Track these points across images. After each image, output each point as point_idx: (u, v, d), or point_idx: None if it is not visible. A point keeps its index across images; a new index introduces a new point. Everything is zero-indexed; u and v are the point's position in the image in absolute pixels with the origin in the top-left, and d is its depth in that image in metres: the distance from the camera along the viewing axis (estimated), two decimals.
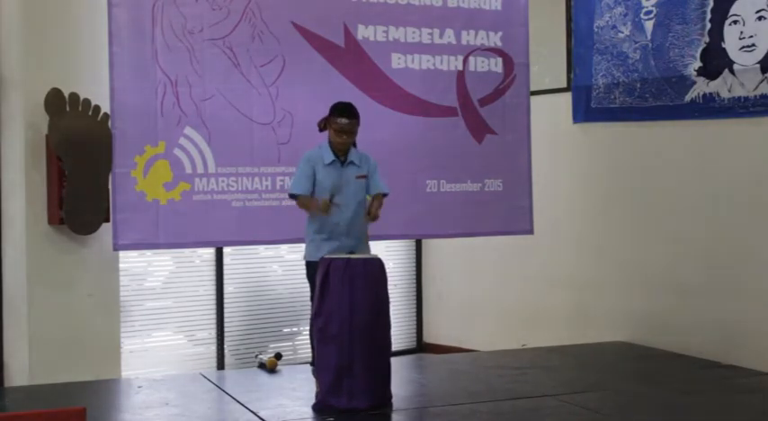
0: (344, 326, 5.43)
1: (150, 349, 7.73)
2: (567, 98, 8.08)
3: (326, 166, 5.72)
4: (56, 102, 6.74)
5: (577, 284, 8.04)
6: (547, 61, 8.30)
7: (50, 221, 6.83)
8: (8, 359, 7.03)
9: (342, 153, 5.75)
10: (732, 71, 6.82)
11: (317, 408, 5.52)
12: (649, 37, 7.42)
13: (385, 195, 5.86)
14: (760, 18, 6.64)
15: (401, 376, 6.28)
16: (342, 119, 5.68)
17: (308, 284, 5.87)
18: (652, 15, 7.40)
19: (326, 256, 5.56)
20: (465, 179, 7.22)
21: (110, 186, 6.49)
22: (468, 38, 7.25)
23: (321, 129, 5.82)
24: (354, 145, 5.84)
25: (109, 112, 6.34)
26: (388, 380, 5.62)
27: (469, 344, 8.79)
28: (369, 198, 5.81)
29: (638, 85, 7.49)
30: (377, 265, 5.59)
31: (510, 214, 7.40)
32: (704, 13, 7.00)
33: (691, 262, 7.15)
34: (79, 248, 6.98)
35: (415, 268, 9.37)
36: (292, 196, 5.80)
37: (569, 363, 7.05)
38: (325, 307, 5.48)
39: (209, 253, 7.95)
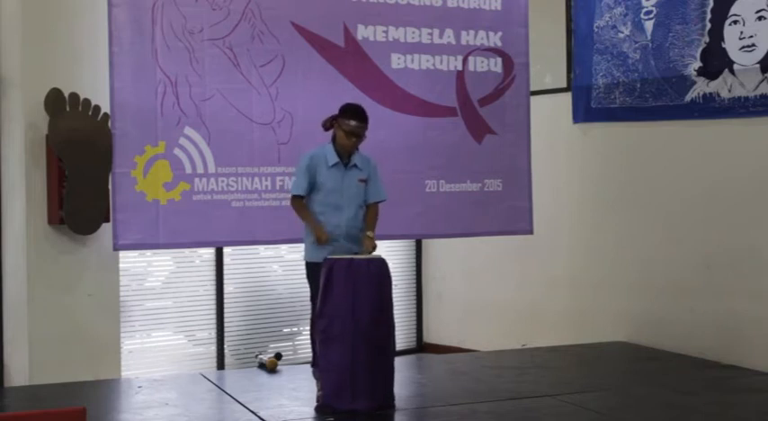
0: (347, 327, 5.42)
1: (150, 349, 7.72)
2: (566, 98, 8.08)
3: (330, 168, 5.71)
4: (56, 102, 6.74)
5: (577, 284, 8.04)
6: (547, 61, 8.29)
7: (50, 221, 6.83)
8: (8, 359, 7.03)
9: (346, 155, 5.74)
10: (732, 71, 6.82)
11: (319, 409, 5.51)
12: (649, 37, 7.43)
13: (381, 201, 5.88)
14: (760, 18, 6.64)
15: (401, 376, 6.28)
16: (354, 121, 5.66)
17: (308, 284, 5.86)
18: (652, 15, 7.40)
19: (330, 257, 5.55)
20: (465, 179, 7.22)
21: (110, 186, 6.49)
22: (468, 38, 7.25)
23: (326, 129, 5.80)
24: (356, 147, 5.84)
25: (109, 112, 6.34)
26: (391, 381, 5.62)
27: (469, 344, 8.79)
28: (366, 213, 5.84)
29: (638, 85, 7.49)
30: (380, 266, 5.58)
31: (510, 214, 7.39)
32: (704, 13, 7.00)
33: (691, 262, 7.15)
34: (79, 248, 6.98)
35: (415, 268, 9.37)
36: (294, 197, 5.80)
37: (569, 363, 7.05)
38: (328, 307, 5.47)
39: (209, 253, 7.94)
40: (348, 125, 5.66)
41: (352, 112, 5.69)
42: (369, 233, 5.75)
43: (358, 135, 5.68)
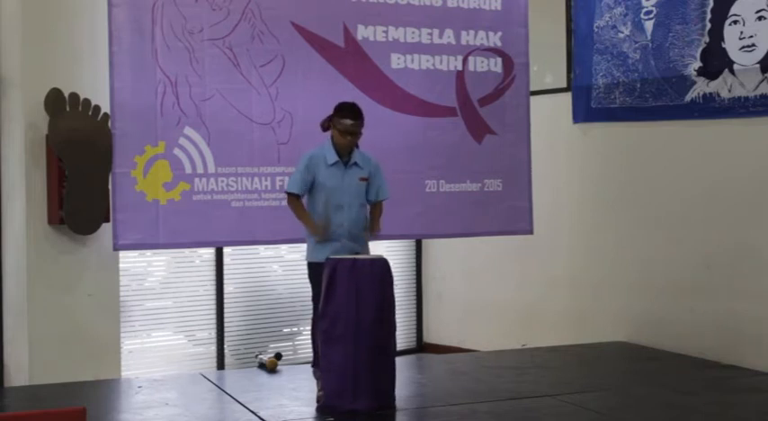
0: (350, 327, 5.42)
1: (150, 349, 7.72)
2: (566, 98, 8.08)
3: (329, 167, 5.70)
4: (56, 102, 6.74)
5: (577, 284, 8.04)
6: (547, 61, 8.30)
7: (50, 221, 6.83)
8: (8, 359, 7.03)
9: (345, 154, 5.74)
10: (732, 71, 6.82)
11: (320, 410, 5.51)
12: (649, 37, 7.43)
13: (384, 200, 5.88)
14: (760, 18, 6.64)
15: (401, 376, 6.26)
16: (347, 119, 5.66)
17: (308, 284, 5.86)
18: (652, 15, 7.40)
19: (333, 257, 5.55)
20: (464, 179, 7.21)
21: (110, 186, 6.49)
22: (468, 38, 7.25)
23: (325, 130, 5.80)
24: (356, 145, 5.83)
25: (109, 112, 6.34)
26: (393, 382, 5.62)
27: (469, 344, 8.79)
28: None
29: (638, 85, 7.49)
30: (383, 266, 5.58)
31: (510, 214, 7.39)
32: (704, 13, 7.00)
33: (691, 262, 7.15)
34: (79, 248, 6.98)
35: (415, 268, 9.38)
36: (288, 194, 5.80)
37: (569, 363, 7.05)
38: (331, 307, 5.46)
39: (209, 253, 7.94)
40: (341, 124, 5.66)
41: (346, 111, 5.69)
42: (374, 223, 5.76)
43: (352, 133, 5.67)
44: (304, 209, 5.75)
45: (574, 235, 8.10)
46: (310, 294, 5.83)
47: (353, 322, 5.42)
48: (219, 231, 6.51)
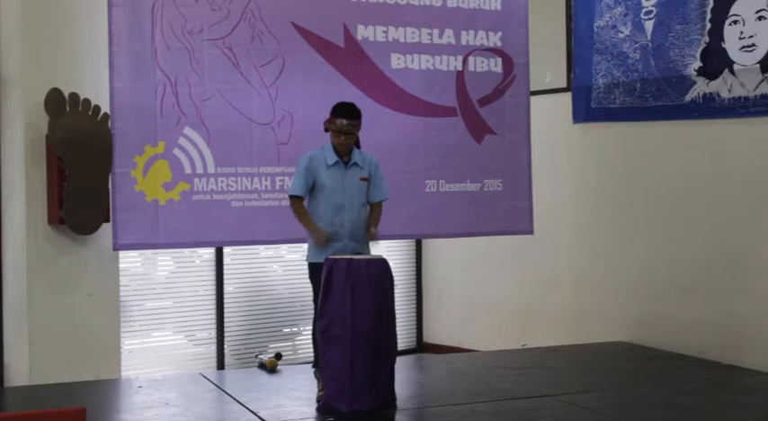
0: (347, 327, 5.41)
1: (150, 349, 7.72)
2: (566, 98, 8.08)
3: (329, 168, 5.70)
4: (56, 102, 6.74)
5: (577, 284, 8.04)
6: (547, 61, 8.30)
7: (50, 221, 6.83)
8: (8, 359, 7.03)
9: (344, 154, 5.74)
10: (732, 71, 6.82)
11: (320, 409, 5.51)
12: (649, 37, 7.43)
13: (384, 200, 5.87)
14: (760, 18, 6.64)
15: (401, 376, 6.27)
16: (341, 119, 5.66)
17: (309, 284, 5.86)
18: (652, 15, 7.40)
19: (330, 257, 5.55)
20: (464, 179, 7.22)
21: (110, 186, 6.49)
22: (468, 38, 7.25)
23: (326, 130, 5.80)
24: (358, 146, 5.83)
25: (109, 112, 6.35)
26: (392, 382, 5.61)
27: (469, 344, 8.79)
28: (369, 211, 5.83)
29: (638, 85, 7.49)
30: (381, 266, 5.57)
31: (510, 214, 7.39)
32: (704, 13, 7.00)
33: (691, 262, 7.15)
34: (79, 248, 6.98)
35: (415, 268, 9.37)
36: (291, 197, 5.79)
37: (569, 363, 7.05)
38: (328, 307, 5.46)
39: (209, 253, 7.95)
40: (335, 123, 5.66)
41: (341, 111, 5.69)
42: (372, 229, 5.75)
43: (346, 132, 5.66)
44: (307, 212, 5.74)
45: (574, 235, 8.10)
46: (310, 294, 5.83)
47: (350, 322, 5.41)
48: (219, 231, 6.51)
